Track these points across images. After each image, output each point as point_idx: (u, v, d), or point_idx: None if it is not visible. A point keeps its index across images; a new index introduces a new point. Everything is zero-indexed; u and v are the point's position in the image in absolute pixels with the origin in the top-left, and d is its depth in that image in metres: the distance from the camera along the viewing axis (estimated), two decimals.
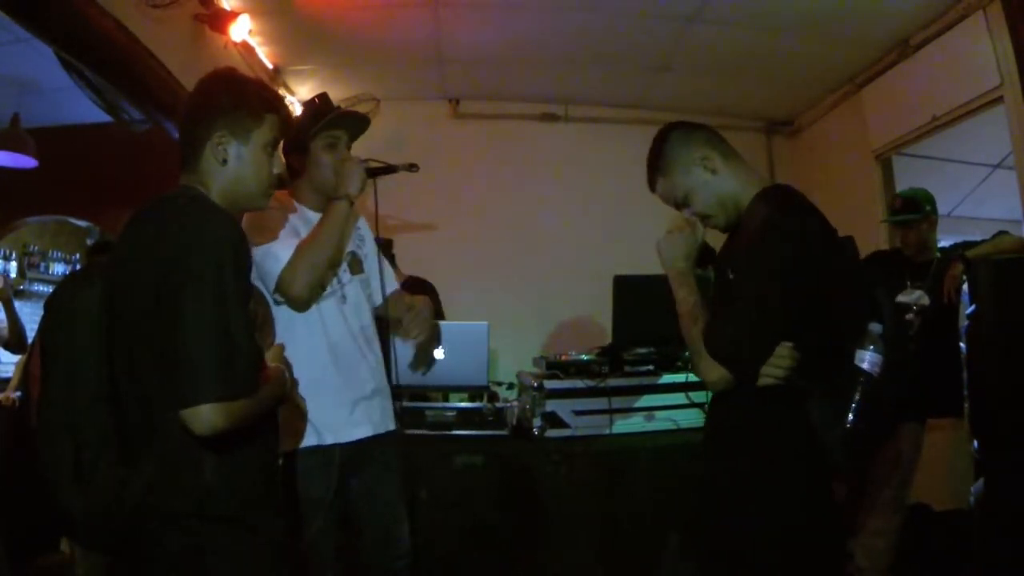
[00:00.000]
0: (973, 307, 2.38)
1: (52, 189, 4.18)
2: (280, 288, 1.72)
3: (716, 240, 1.61)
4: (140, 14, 2.50)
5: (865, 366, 1.31)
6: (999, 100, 2.90)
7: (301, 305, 1.78)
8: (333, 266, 1.86)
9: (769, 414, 1.38)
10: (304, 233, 1.80)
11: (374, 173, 1.90)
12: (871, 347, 1.32)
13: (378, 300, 2.03)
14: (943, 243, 2.87)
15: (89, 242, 5.29)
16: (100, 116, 2.95)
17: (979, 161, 4.18)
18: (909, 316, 2.63)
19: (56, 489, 1.16)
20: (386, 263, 2.08)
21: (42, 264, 5.85)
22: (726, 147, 1.54)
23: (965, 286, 2.48)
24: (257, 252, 1.70)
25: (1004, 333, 2.24)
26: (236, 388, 1.13)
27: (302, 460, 1.74)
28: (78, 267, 5.78)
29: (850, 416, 1.30)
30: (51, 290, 5.05)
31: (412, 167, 1.97)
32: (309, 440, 1.76)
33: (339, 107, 1.93)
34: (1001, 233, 2.58)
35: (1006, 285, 2.29)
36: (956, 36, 3.12)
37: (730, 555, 1.41)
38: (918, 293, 2.63)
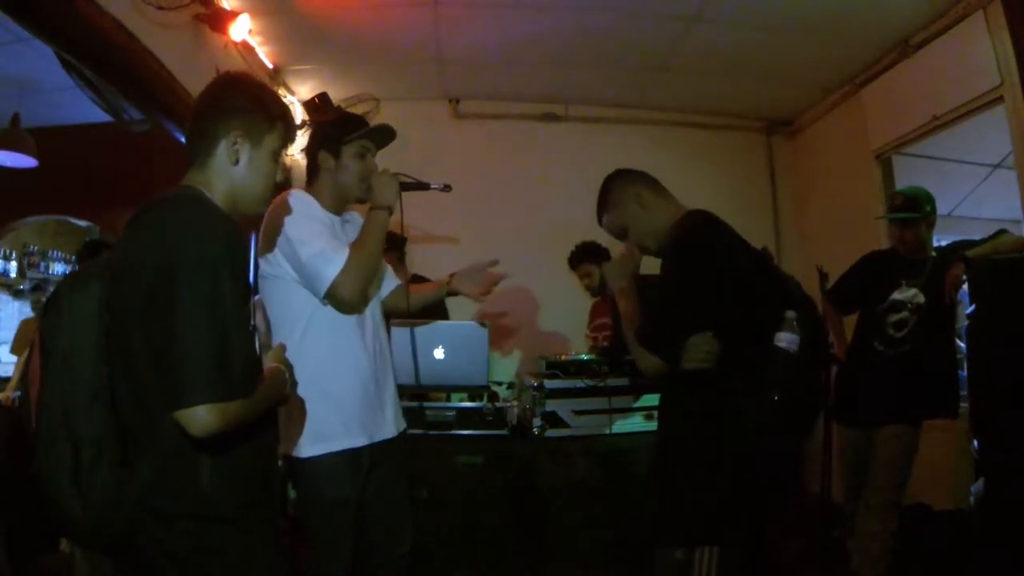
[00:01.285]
0: (973, 307, 2.38)
1: (52, 189, 4.18)
2: (333, 291, 1.72)
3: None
4: (140, 14, 2.50)
5: (782, 344, 1.55)
6: (999, 100, 2.91)
7: (350, 309, 1.80)
8: (378, 271, 1.91)
9: (695, 395, 1.61)
10: (335, 235, 1.82)
11: (407, 188, 1.92)
12: (787, 330, 1.55)
13: (382, 292, 2.05)
14: (942, 242, 2.86)
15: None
16: (100, 116, 2.95)
17: (979, 161, 4.18)
18: (903, 314, 2.62)
19: (54, 489, 1.15)
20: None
21: (42, 264, 5.85)
22: (657, 187, 1.85)
23: (965, 286, 2.48)
24: (303, 251, 1.71)
25: (1004, 333, 2.24)
26: (232, 389, 1.12)
27: (332, 461, 1.74)
28: (77, 267, 5.79)
29: (776, 387, 1.53)
30: (50, 290, 5.04)
31: (446, 187, 2.00)
32: (341, 442, 1.76)
33: (368, 120, 1.97)
34: (1001, 231, 2.56)
35: (1006, 285, 2.29)
36: (956, 36, 3.13)
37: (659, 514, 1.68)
38: (912, 291, 2.62)
